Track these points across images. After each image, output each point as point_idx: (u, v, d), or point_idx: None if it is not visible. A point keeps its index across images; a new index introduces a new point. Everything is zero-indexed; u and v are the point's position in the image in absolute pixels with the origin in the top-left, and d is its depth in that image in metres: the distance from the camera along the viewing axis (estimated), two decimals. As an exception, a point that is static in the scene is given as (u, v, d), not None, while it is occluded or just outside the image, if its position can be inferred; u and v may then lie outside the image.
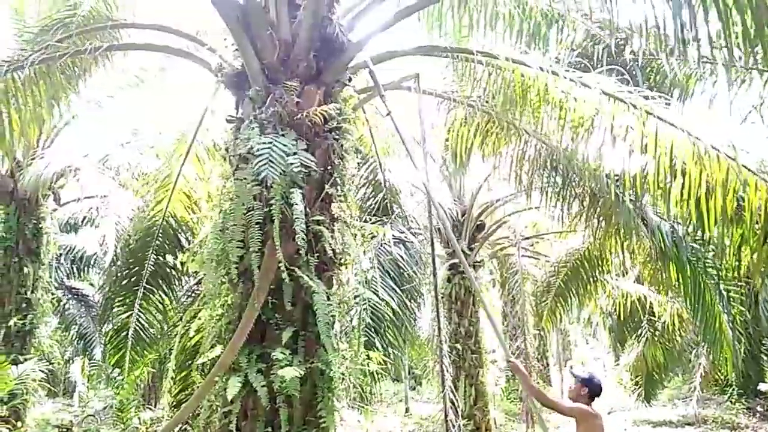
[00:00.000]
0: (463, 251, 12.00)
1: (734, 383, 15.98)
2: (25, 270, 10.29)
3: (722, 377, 15.95)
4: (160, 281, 7.85)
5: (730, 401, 16.31)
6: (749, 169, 4.62)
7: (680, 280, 7.46)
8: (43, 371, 9.74)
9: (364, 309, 6.45)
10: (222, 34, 5.28)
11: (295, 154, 4.22)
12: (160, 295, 7.90)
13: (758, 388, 16.09)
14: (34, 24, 6.33)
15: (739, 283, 8.21)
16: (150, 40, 5.94)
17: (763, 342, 15.52)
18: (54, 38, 5.64)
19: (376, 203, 8.30)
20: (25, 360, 9.43)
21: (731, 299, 8.09)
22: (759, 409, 15.81)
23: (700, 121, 4.98)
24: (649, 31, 4.66)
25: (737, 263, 5.48)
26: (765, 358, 16.62)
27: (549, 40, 6.44)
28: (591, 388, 4.66)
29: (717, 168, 4.63)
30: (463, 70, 6.21)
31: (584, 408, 4.58)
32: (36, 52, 5.57)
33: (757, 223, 4.77)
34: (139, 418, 11.08)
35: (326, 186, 4.59)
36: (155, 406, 15.98)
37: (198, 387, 4.50)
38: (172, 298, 8.11)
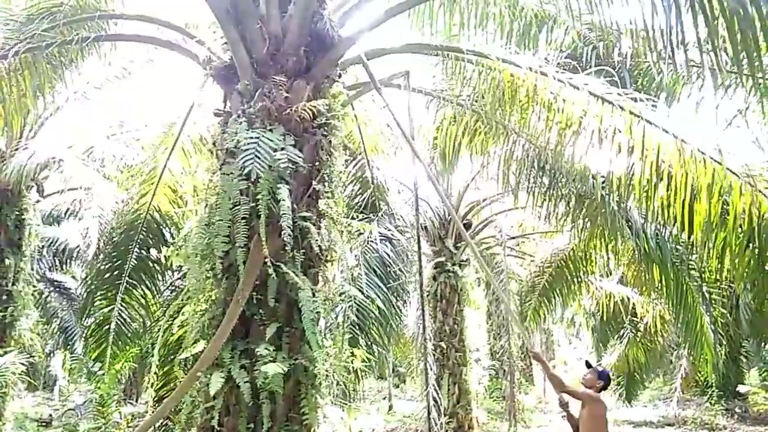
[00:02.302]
0: (448, 250, 12.04)
1: (714, 385, 16.18)
2: (7, 262, 10.14)
3: (702, 379, 16.16)
4: (143, 275, 7.78)
5: (710, 402, 16.51)
6: (734, 173, 4.67)
7: (663, 282, 7.54)
8: (23, 364, 9.62)
9: (349, 306, 6.44)
10: (211, 26, 5.24)
11: (282, 149, 4.19)
12: (142, 290, 7.83)
13: (737, 389, 16.33)
14: (21, 12, 6.23)
15: (721, 286, 8.31)
16: (138, 31, 5.88)
17: (743, 344, 15.74)
18: (40, 27, 5.56)
19: (363, 200, 8.29)
20: (5, 353, 9.31)
21: (713, 302, 8.19)
22: (737, 410, 16.02)
23: (686, 124, 5.02)
24: (638, 34, 4.69)
25: (719, 266, 5.54)
26: (745, 360, 16.87)
27: (539, 40, 6.47)
28: (606, 381, 5.47)
29: (703, 171, 4.67)
30: (452, 68, 6.21)
31: (593, 394, 5.34)
32: (22, 42, 5.50)
33: (740, 227, 4.82)
34: (119, 413, 11.01)
35: (314, 182, 4.57)
36: (136, 401, 15.87)
37: (180, 382, 4.47)
38: (155, 292, 8.05)
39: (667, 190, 4.92)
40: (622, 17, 6.38)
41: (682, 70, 6.51)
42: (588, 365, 5.62)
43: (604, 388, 5.48)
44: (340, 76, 5.08)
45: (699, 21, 3.81)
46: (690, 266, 7.71)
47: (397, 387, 23.14)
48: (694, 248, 6.39)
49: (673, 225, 5.21)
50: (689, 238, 5.30)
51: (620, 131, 4.92)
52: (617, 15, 6.37)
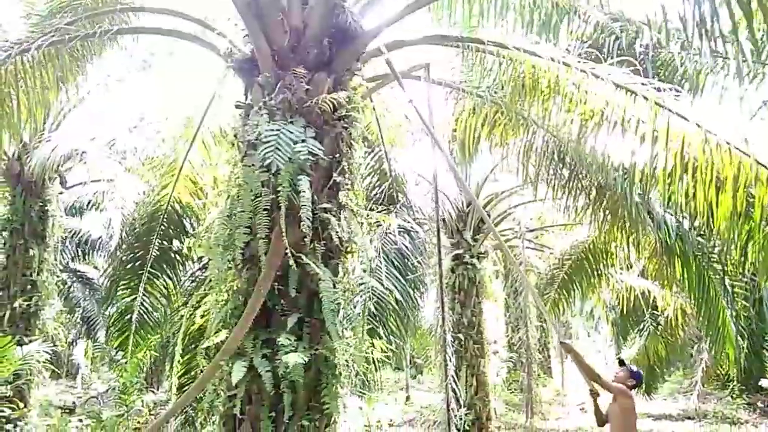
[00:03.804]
0: (467, 242, 12.01)
1: (735, 379, 16.00)
2: (31, 252, 10.34)
3: (723, 372, 15.97)
4: (165, 265, 7.88)
5: (731, 396, 16.36)
6: (761, 164, 4.58)
7: (685, 275, 7.46)
8: (47, 352, 9.81)
9: (368, 297, 6.47)
10: (232, 18, 5.26)
11: (303, 141, 4.19)
12: (164, 280, 7.93)
13: (759, 384, 16.11)
14: (44, 6, 6.31)
15: (744, 279, 8.20)
16: (159, 23, 5.93)
17: (766, 338, 15.52)
18: (63, 21, 5.62)
19: (381, 192, 8.29)
20: (30, 341, 9.50)
21: (736, 295, 8.08)
22: (759, 404, 15.84)
23: (711, 114, 4.93)
24: (662, 24, 4.62)
25: (743, 259, 5.47)
26: (767, 354, 16.64)
27: (560, 31, 6.39)
28: (638, 380, 5.65)
29: (728, 162, 4.59)
30: (472, 59, 6.17)
31: (624, 389, 5.46)
32: (45, 35, 5.55)
33: (766, 220, 4.75)
34: (141, 401, 11.17)
35: (334, 174, 4.57)
36: (157, 389, 16.09)
37: (202, 371, 4.52)
38: (176, 282, 8.15)
39: (692, 181, 4.85)
40: (645, 6, 6.30)
41: (706, 61, 6.40)
42: (621, 363, 5.77)
43: (635, 387, 5.61)
44: (360, 68, 5.07)
45: (723, 10, 3.75)
46: (712, 259, 7.61)
47: (414, 378, 23.20)
48: (717, 241, 6.32)
49: (696, 217, 5.14)
50: (712, 230, 5.23)
51: (644, 121, 4.86)
52: (640, 5, 6.27)
